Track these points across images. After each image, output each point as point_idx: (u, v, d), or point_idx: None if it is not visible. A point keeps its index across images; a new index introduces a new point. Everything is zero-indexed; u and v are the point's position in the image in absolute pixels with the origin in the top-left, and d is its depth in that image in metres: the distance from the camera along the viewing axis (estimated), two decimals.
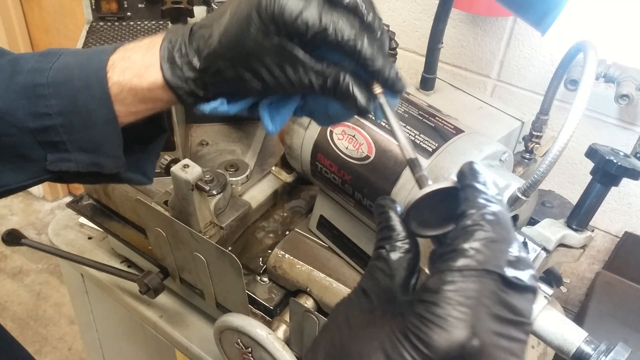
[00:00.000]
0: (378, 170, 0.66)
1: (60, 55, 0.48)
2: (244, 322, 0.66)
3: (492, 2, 0.87)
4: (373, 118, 0.41)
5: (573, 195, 0.84)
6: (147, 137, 0.54)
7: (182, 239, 0.72)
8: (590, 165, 0.62)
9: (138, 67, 0.46)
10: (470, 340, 0.29)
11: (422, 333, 0.30)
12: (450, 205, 0.36)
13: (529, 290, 0.32)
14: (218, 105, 0.46)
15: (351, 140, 0.68)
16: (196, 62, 0.44)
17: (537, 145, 0.76)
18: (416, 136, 0.65)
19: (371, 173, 0.67)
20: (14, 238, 0.94)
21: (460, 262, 0.31)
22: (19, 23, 2.13)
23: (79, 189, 2.59)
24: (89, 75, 0.46)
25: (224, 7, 0.45)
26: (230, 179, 0.83)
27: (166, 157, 0.71)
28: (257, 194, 0.86)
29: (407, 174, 0.64)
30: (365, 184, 0.67)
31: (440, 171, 0.61)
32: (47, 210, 2.55)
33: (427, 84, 0.81)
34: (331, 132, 0.70)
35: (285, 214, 0.88)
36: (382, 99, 0.42)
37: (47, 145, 0.47)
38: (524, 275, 0.31)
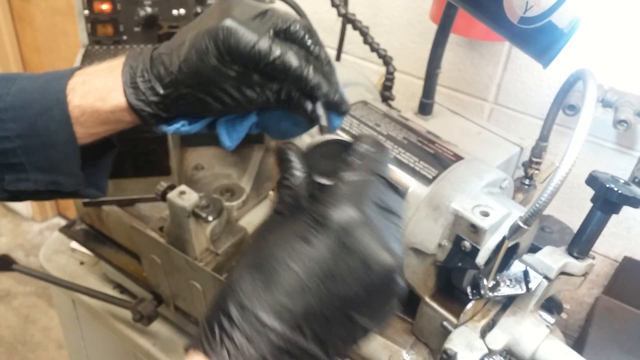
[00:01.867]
0: None
1: (16, 80, 0.50)
2: None
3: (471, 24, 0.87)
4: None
5: (571, 219, 0.84)
6: (97, 153, 0.56)
7: (177, 266, 0.70)
8: (588, 189, 0.61)
9: (100, 91, 0.49)
10: (357, 213, 0.37)
11: (321, 211, 0.37)
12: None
13: (400, 194, 0.42)
14: (180, 127, 0.50)
15: None
16: (159, 88, 0.48)
17: (537, 172, 0.75)
18: (415, 163, 0.65)
19: None
20: (5, 263, 0.92)
21: (354, 163, 0.40)
22: (10, 42, 2.12)
23: (69, 209, 2.57)
24: (48, 99, 0.48)
25: (183, 35, 0.48)
26: (226, 203, 0.82)
27: (162, 184, 0.70)
28: (254, 219, 0.85)
29: (406, 201, 0.63)
30: None
31: (441, 199, 0.61)
32: (36, 232, 2.51)
33: (425, 109, 0.81)
34: None
35: None
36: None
37: (5, 167, 0.49)
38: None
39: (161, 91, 0.48)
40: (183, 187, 0.69)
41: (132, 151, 0.80)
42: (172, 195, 0.68)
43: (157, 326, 0.88)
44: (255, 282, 0.37)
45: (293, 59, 0.46)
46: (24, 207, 2.53)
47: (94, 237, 0.91)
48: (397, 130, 0.69)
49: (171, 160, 0.82)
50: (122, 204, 0.85)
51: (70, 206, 2.54)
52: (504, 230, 0.58)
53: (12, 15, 2.08)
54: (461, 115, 0.84)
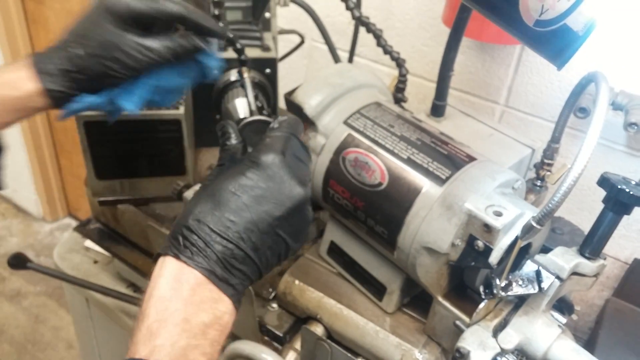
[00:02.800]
0: (391, 197, 0.66)
1: None
2: (255, 350, 0.66)
3: (500, 30, 0.88)
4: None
5: (581, 221, 0.84)
6: None
7: None
8: (599, 191, 0.62)
9: (14, 81, 0.56)
10: (280, 156, 0.52)
11: (254, 156, 0.52)
12: None
13: (307, 150, 0.58)
14: (87, 100, 0.57)
15: (364, 166, 0.69)
16: (68, 66, 0.56)
17: (549, 173, 0.76)
18: (429, 164, 0.65)
19: (384, 200, 0.67)
20: (19, 262, 0.93)
21: (277, 126, 0.56)
22: (24, 44, 2.14)
23: (80, 210, 2.59)
24: None
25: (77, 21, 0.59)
26: None
27: (179, 183, 0.71)
28: None
29: (420, 201, 0.64)
30: (377, 211, 0.67)
31: (454, 199, 0.61)
32: (47, 232, 2.53)
33: (437, 111, 0.82)
34: (344, 158, 0.70)
35: None
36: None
37: None
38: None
39: (71, 68, 0.56)
40: (199, 186, 0.70)
41: (147, 151, 0.81)
42: (188, 194, 0.69)
43: None
44: (208, 204, 0.49)
45: (173, 6, 0.56)
46: (34, 207, 2.56)
47: (108, 236, 0.92)
48: (411, 131, 0.70)
49: (186, 160, 0.83)
50: (138, 203, 0.86)
51: (81, 207, 2.56)
52: (516, 230, 0.59)
53: (25, 18, 2.11)
54: (473, 117, 0.85)
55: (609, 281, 1.07)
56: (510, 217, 0.58)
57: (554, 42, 0.46)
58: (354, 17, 0.83)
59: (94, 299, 0.97)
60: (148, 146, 0.80)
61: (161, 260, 0.49)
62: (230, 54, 0.89)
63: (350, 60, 1.13)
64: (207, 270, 0.47)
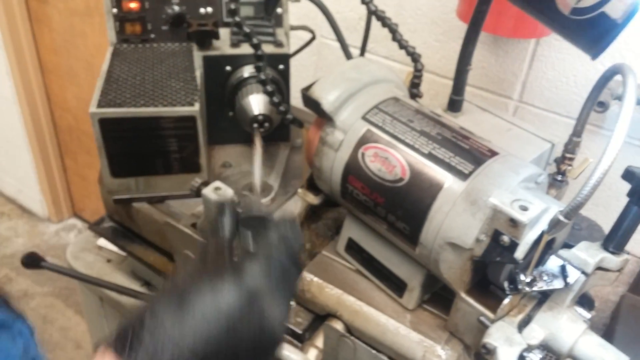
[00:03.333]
0: (412, 193, 0.65)
1: None
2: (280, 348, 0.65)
3: (517, 23, 0.87)
4: None
5: (596, 217, 0.84)
6: None
7: None
8: (614, 187, 0.61)
9: None
10: (268, 283, 0.46)
11: (241, 266, 0.46)
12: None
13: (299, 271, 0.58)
14: None
15: (384, 162, 0.68)
16: None
17: (570, 168, 0.75)
18: (451, 158, 0.65)
19: (405, 195, 0.66)
20: (33, 261, 0.92)
21: (273, 243, 0.50)
22: (28, 44, 2.14)
23: (84, 210, 2.58)
24: None
25: None
26: None
27: (197, 180, 0.71)
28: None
29: (442, 196, 0.63)
30: (398, 207, 0.67)
31: (478, 194, 0.61)
32: (52, 232, 2.53)
33: (454, 105, 0.81)
34: (363, 154, 0.69)
35: (310, 236, 0.87)
36: None
37: None
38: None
39: None
40: (218, 183, 0.69)
41: (162, 148, 0.80)
42: (207, 191, 0.68)
43: None
44: (172, 306, 0.42)
45: None
46: (40, 208, 2.55)
47: (122, 234, 0.92)
48: (431, 126, 0.69)
49: (202, 157, 0.82)
50: (152, 201, 0.85)
51: (87, 207, 2.55)
52: (542, 225, 0.58)
53: (29, 17, 2.10)
54: (490, 112, 0.84)
55: (624, 277, 1.07)
56: (537, 212, 0.57)
57: (590, 30, 0.45)
58: (369, 12, 0.82)
59: (108, 297, 0.96)
60: (163, 143, 0.80)
61: (102, 351, 0.42)
62: (244, 50, 0.89)
63: (362, 56, 1.12)
64: None
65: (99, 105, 0.76)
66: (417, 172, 0.65)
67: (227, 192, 0.69)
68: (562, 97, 1.01)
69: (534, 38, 0.97)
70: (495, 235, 0.60)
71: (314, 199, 0.82)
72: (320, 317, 0.77)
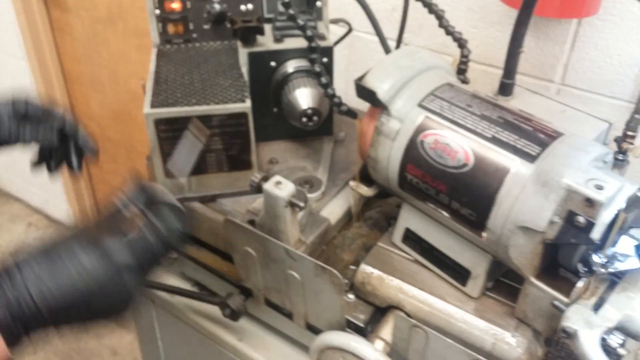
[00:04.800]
0: (478, 178, 0.64)
1: None
2: (350, 341, 0.65)
3: (563, 3, 0.86)
4: None
5: None
6: None
7: (274, 257, 0.70)
8: None
9: None
10: (134, 262, 0.54)
11: (101, 234, 0.54)
12: None
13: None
14: None
15: (445, 148, 0.67)
16: None
17: (632, 146, 0.74)
18: (516, 141, 0.64)
19: (470, 181, 0.65)
20: None
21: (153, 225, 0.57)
22: (50, 53, 2.15)
23: None
24: None
25: None
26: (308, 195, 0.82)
27: (256, 175, 0.70)
28: (334, 209, 0.85)
29: (510, 179, 0.62)
30: (463, 193, 0.66)
31: (549, 175, 0.60)
32: None
33: (506, 89, 0.80)
34: (422, 141, 0.69)
35: (362, 228, 0.87)
36: None
37: None
38: None
39: None
40: (278, 178, 0.69)
41: (214, 146, 0.80)
42: (268, 185, 0.68)
43: (241, 322, 0.88)
44: (41, 257, 0.51)
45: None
46: (66, 217, 2.57)
47: None
48: (490, 109, 0.69)
49: (252, 154, 0.82)
50: (204, 200, 0.85)
51: None
52: (618, 204, 0.57)
53: (51, 27, 2.11)
54: (541, 94, 0.83)
55: None
56: (613, 190, 0.56)
57: None
58: None
59: (161, 300, 0.96)
60: (215, 141, 0.79)
61: None
62: (288, 44, 0.89)
63: (398, 47, 1.12)
64: None
65: (153, 106, 0.76)
66: (481, 157, 0.65)
67: (289, 186, 0.68)
68: (606, 78, 0.99)
69: (578, 18, 0.95)
70: (570, 217, 0.59)
71: (367, 191, 0.82)
72: (380, 309, 0.77)
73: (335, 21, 1.04)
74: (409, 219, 0.77)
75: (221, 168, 0.82)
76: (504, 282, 0.74)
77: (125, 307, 0.54)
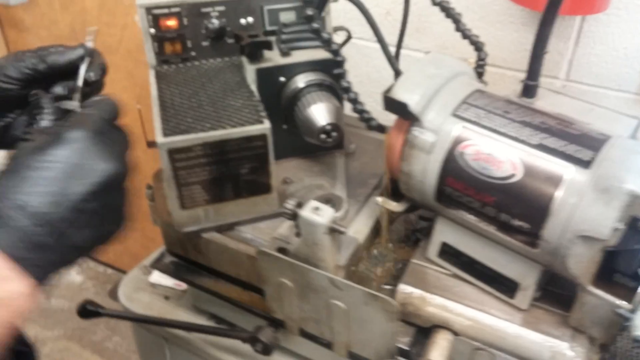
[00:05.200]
0: (529, 188, 0.61)
1: None
2: None
3: (574, 1, 0.85)
4: None
5: None
6: None
7: (315, 287, 0.66)
8: None
9: None
10: (88, 132, 0.51)
11: (60, 130, 0.51)
12: None
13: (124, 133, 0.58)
14: None
15: (488, 159, 0.64)
16: None
17: None
18: (566, 147, 0.61)
19: (521, 191, 0.62)
20: (90, 311, 0.86)
21: (90, 107, 0.57)
22: None
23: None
24: None
25: None
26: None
27: (289, 202, 0.65)
28: (360, 227, 0.81)
29: (565, 187, 0.59)
30: (514, 204, 0.63)
31: (609, 181, 0.57)
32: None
33: (530, 91, 0.78)
34: (462, 152, 0.65)
35: (388, 244, 0.83)
36: None
37: None
38: None
39: None
40: (315, 203, 0.65)
41: (232, 172, 0.75)
42: (306, 212, 0.63)
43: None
44: (10, 181, 0.47)
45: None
46: None
47: (185, 268, 0.86)
48: (530, 115, 0.66)
49: (272, 177, 0.77)
50: (222, 229, 0.79)
51: None
52: None
53: (7, 48, 1.99)
54: (564, 94, 0.81)
55: None
56: None
57: None
58: (434, 3, 0.78)
59: (174, 337, 0.90)
60: (233, 166, 0.74)
61: None
62: (295, 58, 0.84)
63: (398, 52, 1.09)
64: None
65: (165, 134, 0.70)
66: (530, 166, 0.62)
67: (328, 211, 0.64)
68: (613, 72, 0.98)
69: (579, 15, 0.94)
70: (634, 222, 0.57)
71: (396, 206, 0.78)
72: (423, 329, 0.73)
73: (335, 29, 1.00)
74: (445, 232, 0.74)
75: (239, 194, 0.77)
76: (549, 290, 0.71)
77: (120, 159, 0.53)
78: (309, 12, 0.65)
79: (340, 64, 0.70)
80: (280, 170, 0.91)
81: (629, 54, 0.95)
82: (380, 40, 0.95)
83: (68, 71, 0.64)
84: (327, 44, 0.68)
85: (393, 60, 0.81)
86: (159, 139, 0.69)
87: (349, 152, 0.95)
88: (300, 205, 0.66)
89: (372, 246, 0.83)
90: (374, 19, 1.02)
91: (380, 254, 0.82)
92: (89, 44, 0.67)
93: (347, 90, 0.70)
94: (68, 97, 0.62)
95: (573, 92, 1.03)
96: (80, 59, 0.65)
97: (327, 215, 0.63)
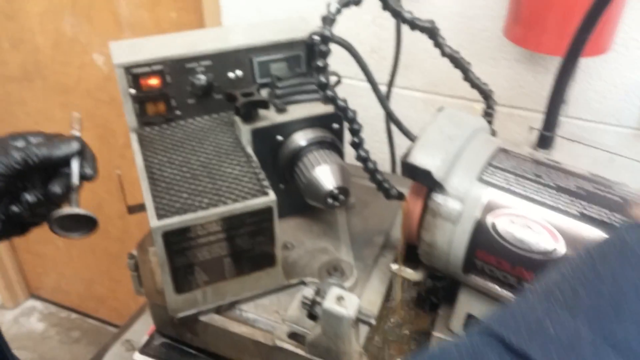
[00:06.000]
0: None
1: None
2: None
3: (560, 40, 0.81)
4: None
5: None
6: None
7: None
8: None
9: None
10: None
11: None
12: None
13: None
14: None
15: (525, 231, 0.58)
16: None
17: None
18: (609, 216, 0.56)
19: None
20: None
21: None
22: None
23: (41, 288, 2.33)
24: None
25: None
26: (345, 285, 0.71)
27: (309, 291, 0.58)
28: (372, 297, 0.74)
29: None
30: None
31: None
32: (11, 321, 2.25)
33: (546, 142, 0.74)
34: (494, 224, 0.60)
35: (403, 314, 0.77)
36: None
37: None
38: None
39: None
40: (338, 291, 0.57)
41: (233, 249, 0.67)
42: (330, 304, 0.56)
43: None
44: None
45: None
46: None
47: (180, 351, 0.77)
48: (564, 178, 0.61)
49: (277, 249, 0.70)
50: (221, 309, 0.71)
51: (43, 285, 2.30)
52: None
53: None
54: (578, 142, 0.77)
55: None
56: None
57: None
58: (444, 54, 0.73)
59: None
60: (234, 243, 0.66)
61: None
62: (291, 115, 0.77)
63: (389, 93, 1.03)
64: None
65: (160, 216, 0.61)
66: (574, 239, 0.56)
67: (353, 300, 0.57)
68: (612, 107, 0.96)
69: (590, 56, 0.91)
70: None
71: (414, 275, 0.72)
72: None
73: None
74: (471, 304, 0.68)
75: (241, 271, 0.69)
76: None
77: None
78: (319, 63, 0.58)
79: (353, 120, 0.63)
80: (280, 233, 0.84)
81: (629, 89, 0.93)
82: (371, 81, 0.89)
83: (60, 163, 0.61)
84: (332, 101, 0.61)
85: (385, 101, 0.76)
86: (152, 222, 0.61)
87: (349, 206, 0.89)
88: (319, 292, 0.58)
89: (385, 314, 0.76)
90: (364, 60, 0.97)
91: (396, 324, 0.76)
92: (76, 133, 0.58)
93: (365, 160, 0.64)
94: (64, 195, 0.61)
95: (572, 129, 1.00)
96: (74, 153, 0.59)
97: (352, 307, 0.56)
